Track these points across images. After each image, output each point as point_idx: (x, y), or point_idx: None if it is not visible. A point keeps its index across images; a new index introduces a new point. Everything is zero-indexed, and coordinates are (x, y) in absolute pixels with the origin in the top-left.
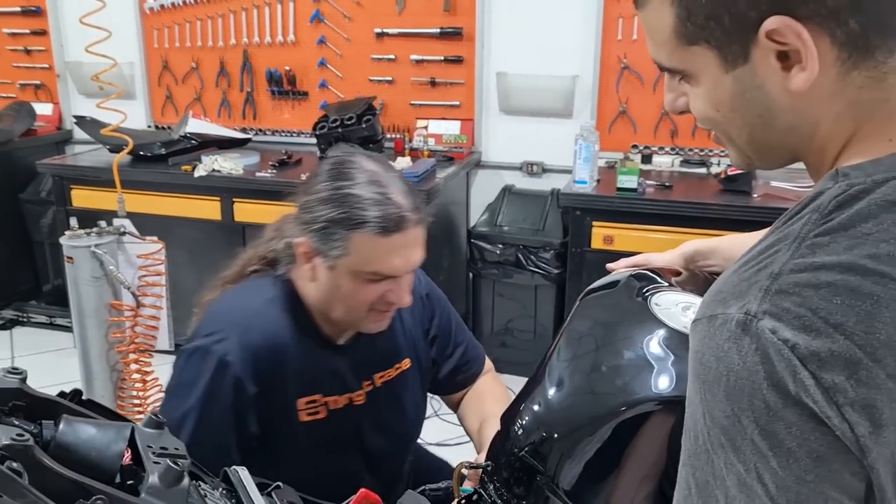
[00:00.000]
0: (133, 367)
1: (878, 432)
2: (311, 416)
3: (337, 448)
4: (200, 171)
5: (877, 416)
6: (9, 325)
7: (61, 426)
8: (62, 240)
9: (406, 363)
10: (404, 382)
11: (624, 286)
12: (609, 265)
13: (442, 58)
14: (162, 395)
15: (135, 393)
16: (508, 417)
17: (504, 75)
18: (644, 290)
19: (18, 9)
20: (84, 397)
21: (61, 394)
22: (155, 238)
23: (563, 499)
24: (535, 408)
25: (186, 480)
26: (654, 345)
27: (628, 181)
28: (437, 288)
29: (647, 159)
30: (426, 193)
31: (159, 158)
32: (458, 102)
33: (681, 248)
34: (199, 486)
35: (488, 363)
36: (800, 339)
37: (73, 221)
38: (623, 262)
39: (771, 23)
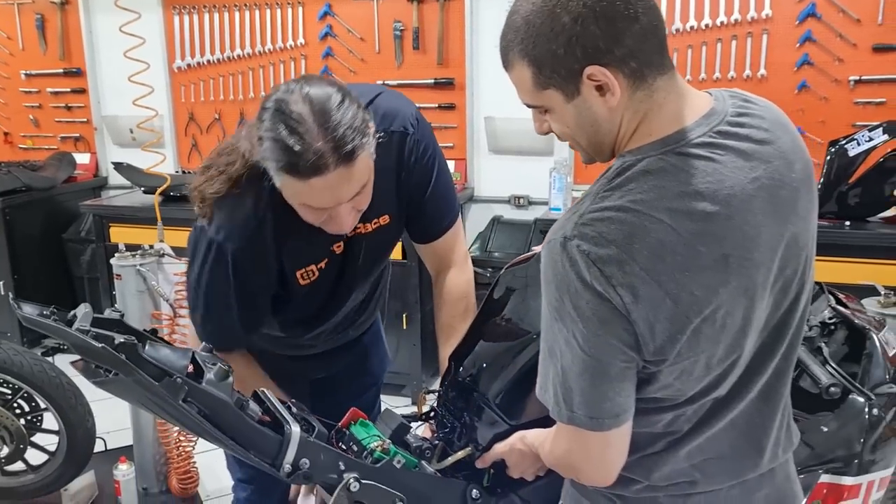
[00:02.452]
0: None
1: (636, 302)
2: (305, 280)
3: (326, 290)
4: None
5: (635, 293)
6: (50, 352)
7: (147, 346)
8: (113, 260)
9: (385, 219)
10: (381, 234)
11: (536, 258)
12: (534, 247)
13: (436, 105)
14: None
15: None
16: (454, 356)
17: (492, 119)
18: None
19: (61, 70)
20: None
21: (144, 331)
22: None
23: (492, 408)
24: (472, 346)
25: (231, 378)
26: None
27: None
28: (431, 148)
29: None
30: None
31: (186, 198)
32: (451, 144)
33: None
34: (238, 392)
35: (460, 249)
36: (592, 249)
37: (122, 245)
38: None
39: (588, 70)
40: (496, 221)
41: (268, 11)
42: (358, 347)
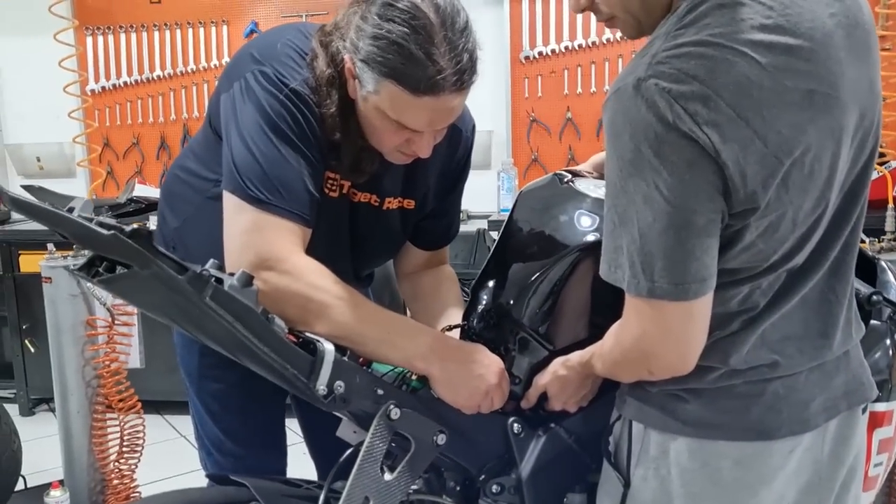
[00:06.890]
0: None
1: (724, 142)
2: (329, 190)
3: (333, 228)
4: (152, 226)
5: (722, 132)
6: None
7: None
8: (41, 262)
9: (410, 203)
10: (400, 215)
11: (551, 180)
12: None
13: None
14: (137, 415)
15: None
16: (476, 287)
17: None
18: (567, 180)
19: None
20: (57, 411)
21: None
22: None
23: (529, 334)
24: (497, 273)
25: (256, 284)
26: (583, 211)
27: None
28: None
29: None
30: None
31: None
32: None
33: (591, 158)
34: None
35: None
36: (673, 86)
37: (51, 246)
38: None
39: None
40: None
41: (189, 30)
42: None
